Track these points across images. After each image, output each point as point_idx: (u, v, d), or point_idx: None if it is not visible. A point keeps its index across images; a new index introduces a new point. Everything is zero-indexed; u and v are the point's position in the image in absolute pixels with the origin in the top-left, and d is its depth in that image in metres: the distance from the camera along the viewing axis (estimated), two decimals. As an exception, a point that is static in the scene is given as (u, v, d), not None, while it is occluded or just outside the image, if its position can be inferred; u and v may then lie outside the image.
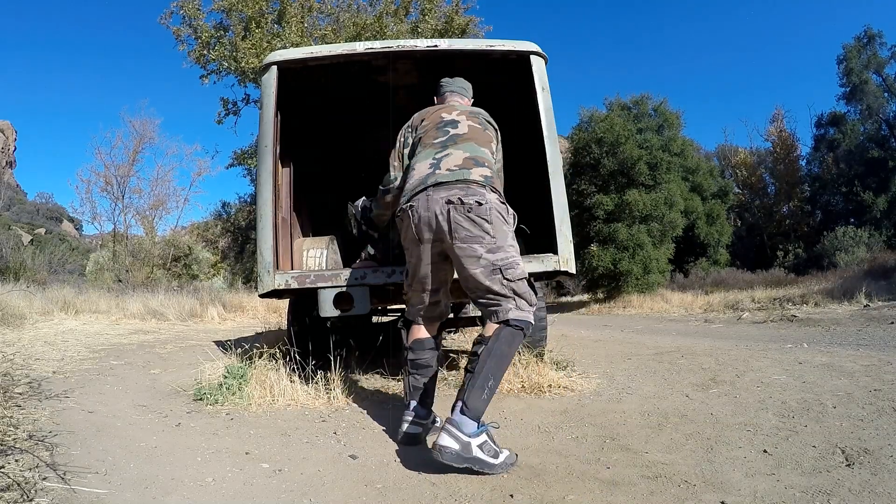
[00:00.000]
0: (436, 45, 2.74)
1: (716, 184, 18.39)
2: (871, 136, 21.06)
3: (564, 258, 2.62)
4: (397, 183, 2.14)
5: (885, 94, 21.13)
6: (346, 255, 3.57)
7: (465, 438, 1.55)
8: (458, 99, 2.36)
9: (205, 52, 12.53)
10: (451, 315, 3.83)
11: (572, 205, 10.79)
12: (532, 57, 2.79)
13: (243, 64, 11.64)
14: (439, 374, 2.80)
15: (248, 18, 12.03)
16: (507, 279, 1.77)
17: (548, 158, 2.70)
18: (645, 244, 14.23)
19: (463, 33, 12.58)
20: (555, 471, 1.62)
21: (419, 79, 3.21)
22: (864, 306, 7.57)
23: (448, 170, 1.90)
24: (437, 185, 1.86)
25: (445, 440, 1.56)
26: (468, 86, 2.44)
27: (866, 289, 8.46)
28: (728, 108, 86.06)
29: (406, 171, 2.08)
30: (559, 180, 2.69)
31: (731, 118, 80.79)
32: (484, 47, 2.78)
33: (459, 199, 1.79)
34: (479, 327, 3.73)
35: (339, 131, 3.97)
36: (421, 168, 1.97)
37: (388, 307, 3.91)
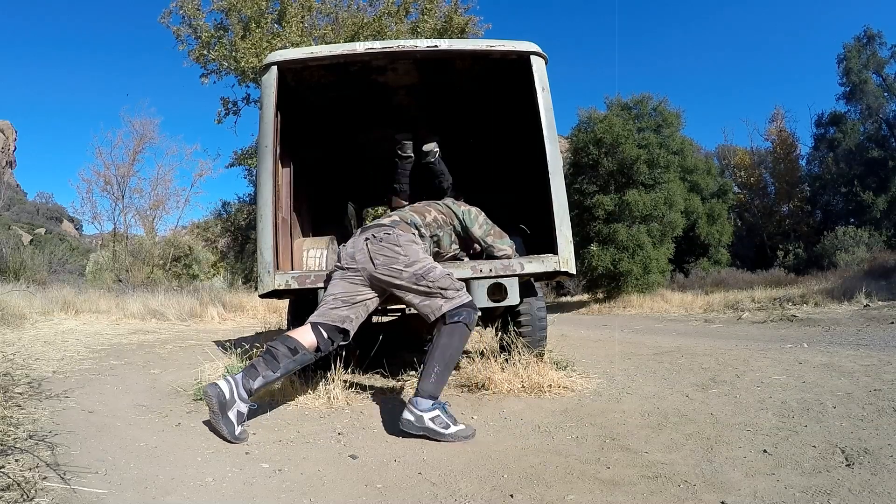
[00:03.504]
0: (436, 46, 2.74)
1: (714, 183, 18.38)
2: (871, 136, 21.05)
3: (564, 258, 2.62)
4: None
5: (885, 94, 21.12)
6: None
7: (419, 413, 1.93)
8: (455, 203, 2.82)
9: (205, 51, 12.52)
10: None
11: (572, 205, 10.78)
12: (532, 57, 2.79)
13: (243, 64, 11.64)
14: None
15: (247, 18, 12.03)
16: (430, 281, 2.11)
17: (548, 158, 2.70)
18: (645, 244, 14.23)
19: (462, 33, 12.57)
20: (555, 471, 1.62)
21: (419, 79, 3.20)
22: (864, 306, 7.57)
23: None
24: (363, 229, 2.33)
25: (405, 414, 1.96)
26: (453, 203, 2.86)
27: (866, 289, 8.45)
28: (728, 108, 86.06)
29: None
30: (559, 180, 2.69)
31: (730, 118, 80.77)
32: (484, 47, 2.78)
33: (373, 234, 2.22)
34: (479, 327, 3.75)
35: (339, 131, 3.96)
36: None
37: (388, 307, 3.91)
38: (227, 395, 1.90)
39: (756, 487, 1.45)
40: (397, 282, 2.15)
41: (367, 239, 2.21)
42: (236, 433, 1.89)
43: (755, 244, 22.78)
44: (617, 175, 14.75)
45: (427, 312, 2.14)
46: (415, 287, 2.13)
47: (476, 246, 2.79)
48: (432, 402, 1.95)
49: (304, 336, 2.11)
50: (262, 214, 2.58)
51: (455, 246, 2.74)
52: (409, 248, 2.20)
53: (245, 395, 1.94)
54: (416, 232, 2.42)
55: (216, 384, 1.93)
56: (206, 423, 2.04)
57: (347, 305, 2.18)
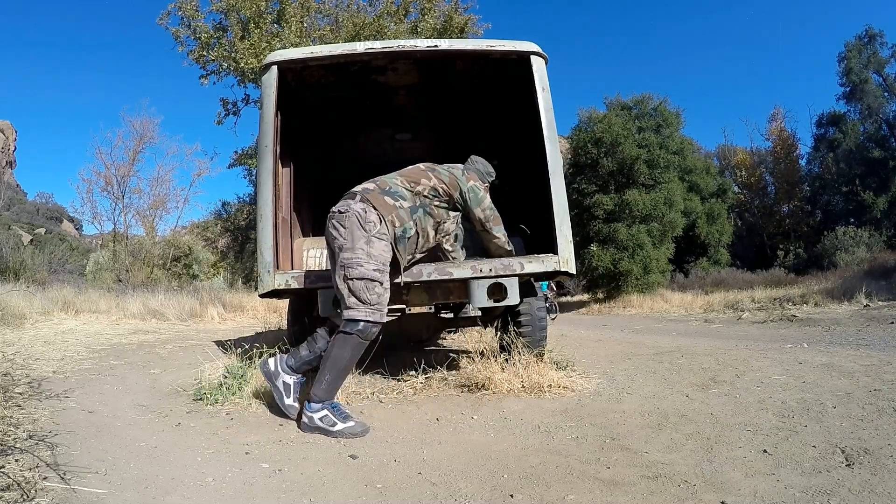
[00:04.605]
0: (436, 46, 2.74)
1: (714, 183, 18.37)
2: (871, 136, 21.05)
3: (564, 258, 2.62)
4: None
5: (886, 94, 21.11)
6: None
7: (310, 414, 2.05)
8: (466, 174, 2.56)
9: (204, 52, 12.51)
10: (452, 315, 3.84)
11: (572, 205, 10.78)
12: (532, 57, 2.79)
13: (242, 64, 11.63)
14: (440, 375, 2.81)
15: (246, 19, 12.02)
16: (347, 277, 2.07)
17: (548, 158, 2.69)
18: (645, 244, 14.22)
19: (462, 32, 12.56)
20: (555, 471, 1.62)
21: (419, 79, 3.20)
22: (864, 306, 7.57)
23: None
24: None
25: (303, 416, 2.08)
26: (486, 171, 2.66)
27: (866, 289, 8.45)
28: (728, 108, 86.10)
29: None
30: (559, 180, 2.68)
31: (731, 118, 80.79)
32: (484, 47, 2.78)
33: (335, 210, 2.19)
34: (479, 327, 3.76)
35: (340, 131, 3.96)
36: None
37: (388, 307, 3.91)
38: (272, 367, 2.18)
39: (756, 487, 1.45)
40: (335, 263, 2.15)
41: (330, 214, 2.21)
42: (285, 402, 2.15)
43: (755, 244, 22.77)
44: (617, 175, 14.75)
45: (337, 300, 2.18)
46: (335, 276, 2.12)
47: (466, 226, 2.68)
48: (321, 404, 2.05)
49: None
50: (262, 214, 2.58)
51: (449, 226, 2.50)
52: (352, 230, 2.11)
53: (288, 369, 2.18)
54: (395, 202, 2.24)
55: (266, 360, 2.21)
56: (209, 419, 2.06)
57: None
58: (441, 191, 2.41)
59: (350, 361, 2.11)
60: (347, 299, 2.06)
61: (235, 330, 6.03)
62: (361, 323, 2.05)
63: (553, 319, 10.57)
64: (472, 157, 2.70)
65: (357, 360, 2.16)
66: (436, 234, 2.44)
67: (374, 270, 2.07)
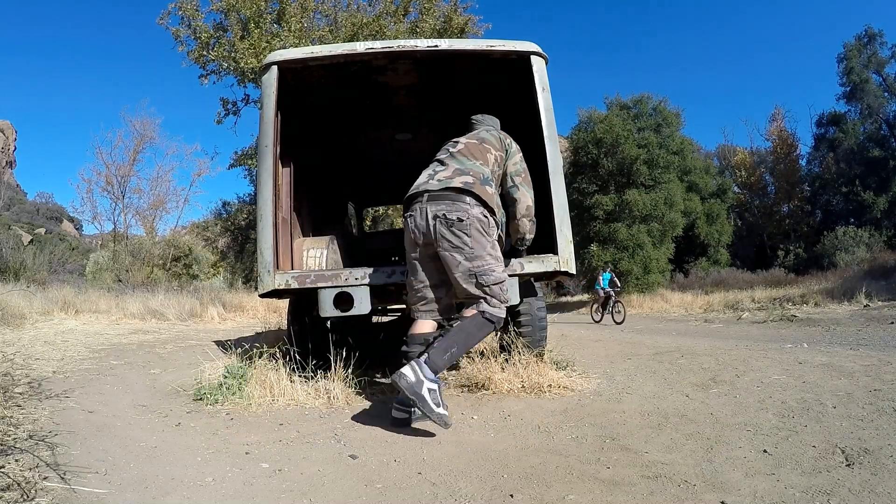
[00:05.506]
0: (436, 45, 2.74)
1: (714, 183, 18.36)
2: (871, 136, 21.06)
3: (564, 258, 2.62)
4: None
5: (886, 94, 21.12)
6: (346, 255, 3.56)
7: (421, 377, 1.92)
8: (495, 129, 2.50)
9: (204, 52, 12.52)
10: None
11: (572, 205, 10.79)
12: (532, 57, 2.79)
13: (242, 64, 11.64)
14: (441, 375, 2.80)
15: (246, 19, 12.02)
16: (482, 283, 2.10)
17: (548, 158, 2.69)
18: (645, 244, 14.23)
19: (462, 33, 12.57)
20: (555, 471, 1.62)
21: (419, 79, 3.20)
22: (864, 306, 7.57)
23: (438, 180, 2.21)
24: (430, 197, 2.16)
25: (406, 370, 1.94)
26: (496, 122, 2.59)
27: (866, 289, 8.46)
28: (728, 109, 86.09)
29: None
30: (559, 180, 2.68)
31: (731, 118, 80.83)
32: (484, 48, 2.78)
33: (444, 214, 2.11)
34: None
35: (340, 131, 3.96)
36: (420, 177, 2.31)
37: (389, 307, 3.91)
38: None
39: (756, 487, 1.45)
40: (451, 270, 2.12)
41: (436, 217, 2.11)
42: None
43: (755, 244, 22.77)
44: (616, 175, 14.75)
45: (463, 298, 2.16)
46: (464, 284, 2.11)
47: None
48: (436, 374, 1.97)
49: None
50: (262, 214, 2.57)
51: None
52: (476, 239, 2.11)
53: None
54: (492, 191, 2.21)
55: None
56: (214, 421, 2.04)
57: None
58: (499, 158, 2.35)
59: (476, 343, 2.18)
60: (489, 301, 2.12)
61: (235, 330, 6.03)
62: (501, 321, 2.15)
63: (620, 323, 10.37)
64: (480, 115, 2.58)
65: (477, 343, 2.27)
66: None
67: (503, 271, 2.18)
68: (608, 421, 2.14)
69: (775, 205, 23.42)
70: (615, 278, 12.09)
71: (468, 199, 2.13)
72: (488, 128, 2.47)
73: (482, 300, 2.11)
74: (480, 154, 2.30)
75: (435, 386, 1.95)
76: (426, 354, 2.01)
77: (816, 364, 3.21)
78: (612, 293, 11.48)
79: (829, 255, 16.88)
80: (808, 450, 1.72)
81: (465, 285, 2.11)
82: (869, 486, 1.42)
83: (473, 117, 2.59)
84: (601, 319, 11.45)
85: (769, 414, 2.15)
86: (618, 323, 10.51)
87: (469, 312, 2.13)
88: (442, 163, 2.31)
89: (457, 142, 2.39)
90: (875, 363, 3.15)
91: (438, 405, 1.94)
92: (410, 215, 2.20)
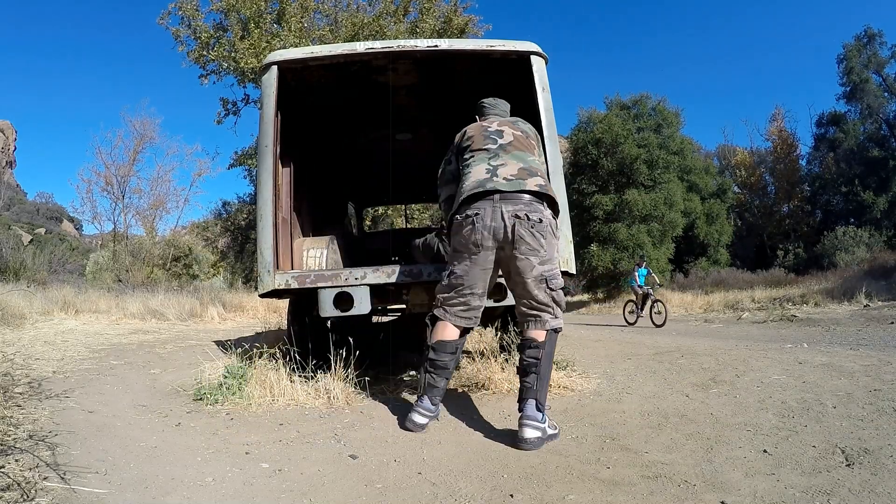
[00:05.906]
0: (436, 45, 2.74)
1: (714, 183, 18.36)
2: (871, 136, 21.07)
3: (564, 258, 2.62)
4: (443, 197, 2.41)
5: (886, 94, 21.13)
6: (346, 255, 3.56)
7: (542, 425, 1.89)
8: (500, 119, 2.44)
9: (204, 52, 12.52)
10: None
11: (572, 205, 10.77)
12: (532, 57, 2.79)
13: (242, 64, 11.64)
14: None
15: (246, 18, 12.03)
16: (551, 288, 2.03)
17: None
18: (645, 244, 14.23)
19: (462, 33, 12.57)
20: (555, 471, 1.62)
21: (419, 79, 3.20)
22: (864, 306, 7.57)
23: (506, 179, 2.07)
24: (503, 197, 2.03)
25: (530, 433, 1.86)
26: (508, 107, 2.56)
27: (866, 289, 8.46)
28: (728, 109, 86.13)
29: (460, 178, 2.23)
30: (559, 180, 2.68)
31: (731, 118, 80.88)
32: (484, 47, 2.78)
33: (526, 214, 2.01)
34: (479, 327, 3.75)
35: (339, 131, 3.96)
36: (477, 172, 2.13)
37: (388, 307, 3.91)
38: (421, 420, 2.05)
39: (756, 487, 1.45)
40: (524, 274, 2.02)
41: (517, 217, 2.01)
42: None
43: (755, 244, 22.77)
44: (616, 175, 14.75)
45: (529, 318, 2.06)
46: (534, 290, 2.02)
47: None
48: (544, 410, 1.95)
49: None
50: (262, 214, 2.57)
51: None
52: (550, 241, 2.06)
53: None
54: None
55: (412, 419, 2.04)
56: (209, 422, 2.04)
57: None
58: (539, 154, 2.32)
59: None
60: (554, 309, 2.06)
61: (235, 330, 6.03)
62: (562, 327, 2.10)
63: (660, 326, 8.94)
64: (492, 99, 2.55)
65: None
66: None
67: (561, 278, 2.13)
68: (608, 421, 2.14)
69: (775, 205, 23.42)
70: (653, 274, 10.63)
71: (544, 203, 2.07)
72: (515, 119, 2.39)
73: (546, 313, 2.03)
74: (529, 147, 2.25)
75: (547, 422, 1.92)
76: (534, 401, 1.92)
77: (816, 364, 3.21)
78: (651, 291, 9.99)
79: (829, 255, 16.89)
80: (808, 450, 1.72)
81: (535, 291, 2.01)
82: (869, 486, 1.42)
83: (485, 101, 2.52)
84: (636, 322, 9.90)
85: (769, 414, 2.15)
86: (658, 326, 9.04)
87: (540, 335, 2.02)
88: (496, 155, 2.17)
89: (500, 131, 2.27)
90: (875, 363, 3.15)
91: (555, 427, 1.97)
92: (477, 214, 2.04)
